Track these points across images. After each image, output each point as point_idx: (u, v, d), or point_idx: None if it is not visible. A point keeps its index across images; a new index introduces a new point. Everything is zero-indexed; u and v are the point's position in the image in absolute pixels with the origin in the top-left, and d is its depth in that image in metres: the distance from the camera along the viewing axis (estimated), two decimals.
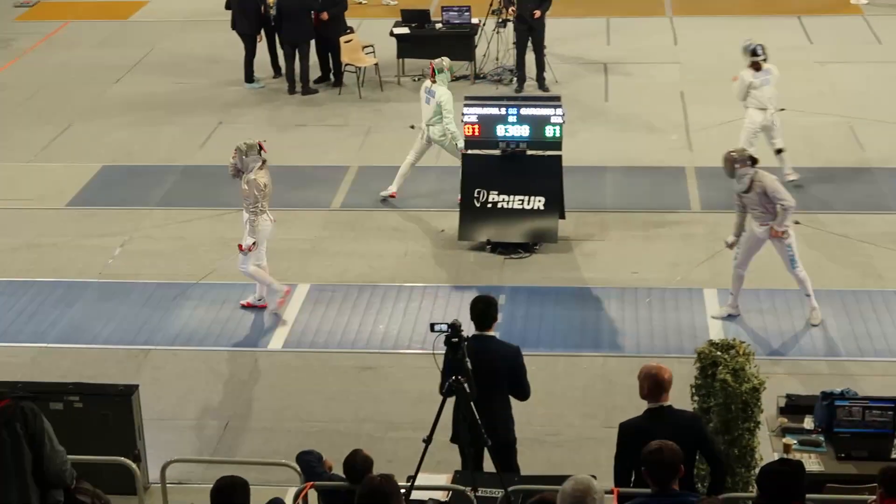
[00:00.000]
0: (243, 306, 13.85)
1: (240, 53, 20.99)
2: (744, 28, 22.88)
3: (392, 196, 16.36)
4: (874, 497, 7.69)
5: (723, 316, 13.37)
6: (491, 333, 9.79)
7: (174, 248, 15.31)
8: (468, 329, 9.35)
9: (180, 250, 15.25)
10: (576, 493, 6.56)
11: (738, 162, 12.67)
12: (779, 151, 16.20)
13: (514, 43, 20.31)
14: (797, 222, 13.50)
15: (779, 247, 12.94)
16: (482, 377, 9.48)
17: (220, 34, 22.32)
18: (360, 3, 25.05)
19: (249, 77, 21.02)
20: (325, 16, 20.17)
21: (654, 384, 8.59)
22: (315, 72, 20.89)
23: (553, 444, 11.15)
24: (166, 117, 19.78)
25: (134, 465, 9.73)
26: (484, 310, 9.78)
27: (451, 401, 9.38)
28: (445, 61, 16.08)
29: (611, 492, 8.72)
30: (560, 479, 8.09)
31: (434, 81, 15.90)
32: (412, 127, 17.04)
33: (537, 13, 19.59)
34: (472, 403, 9.15)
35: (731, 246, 13.20)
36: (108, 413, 10.56)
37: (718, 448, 9.04)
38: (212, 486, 7.67)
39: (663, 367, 8.64)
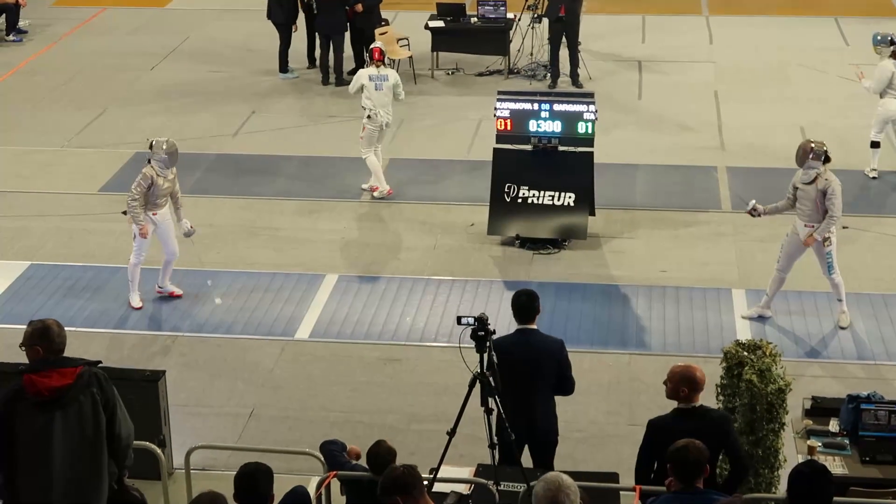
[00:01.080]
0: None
1: (275, 43, 21.05)
2: (780, 28, 22.89)
3: (390, 193, 16.34)
4: None
5: (753, 316, 13.33)
6: (533, 327, 9.78)
7: (204, 236, 15.34)
8: (495, 323, 9.35)
9: (210, 238, 15.31)
10: (548, 492, 6.56)
11: (814, 154, 12.61)
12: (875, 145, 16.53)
13: (548, 39, 20.29)
14: (845, 227, 13.46)
15: (818, 252, 12.90)
16: (526, 370, 9.58)
17: (255, 23, 22.39)
18: None
19: (284, 67, 21.06)
20: (359, 7, 20.19)
21: (688, 384, 8.56)
22: (349, 64, 20.92)
23: (577, 440, 11.13)
24: (200, 105, 19.86)
25: (159, 451, 9.79)
26: (526, 303, 9.78)
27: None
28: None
29: (633, 489, 8.75)
30: (582, 476, 8.13)
31: (381, 65, 16.03)
32: (368, 117, 16.72)
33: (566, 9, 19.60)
34: (496, 397, 9.18)
35: (752, 209, 13.13)
36: (133, 398, 10.56)
37: (743, 450, 9.01)
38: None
39: (693, 367, 8.63)
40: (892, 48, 16.22)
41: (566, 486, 6.55)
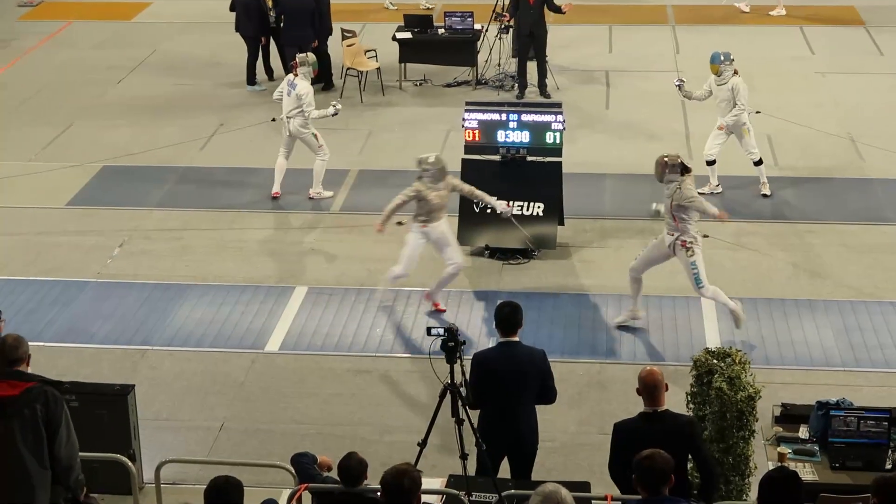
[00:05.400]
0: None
1: (242, 56, 21.01)
2: (746, 37, 22.97)
3: (276, 196, 16.57)
4: None
5: (623, 322, 13.44)
6: (516, 339, 9.80)
7: (172, 249, 15.33)
8: (466, 333, 9.38)
9: (178, 251, 15.28)
10: None
11: (669, 168, 12.72)
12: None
13: (517, 50, 20.30)
14: (705, 236, 13.53)
15: (683, 263, 12.96)
16: (511, 383, 9.63)
17: (223, 36, 22.35)
18: (387, 7, 25.15)
19: (251, 79, 21.03)
20: (315, 43, 20.17)
21: (645, 388, 8.71)
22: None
23: (548, 449, 11.12)
24: (167, 118, 19.80)
25: (130, 463, 9.77)
26: (509, 314, 9.80)
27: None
28: (310, 57, 16.59)
29: (604, 498, 8.77)
30: None
31: (296, 75, 16.26)
32: (273, 120, 17.27)
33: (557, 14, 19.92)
34: (466, 408, 9.22)
35: (657, 212, 13.37)
36: (103, 412, 10.56)
37: (710, 454, 9.06)
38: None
39: (653, 371, 8.75)
40: (734, 65, 16.19)
41: (564, 503, 6.54)
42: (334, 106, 16.49)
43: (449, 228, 13.72)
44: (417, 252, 13.68)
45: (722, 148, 16.39)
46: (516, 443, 9.82)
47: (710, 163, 16.44)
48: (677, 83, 16.56)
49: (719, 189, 16.49)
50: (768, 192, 16.40)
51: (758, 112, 17.02)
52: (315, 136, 16.39)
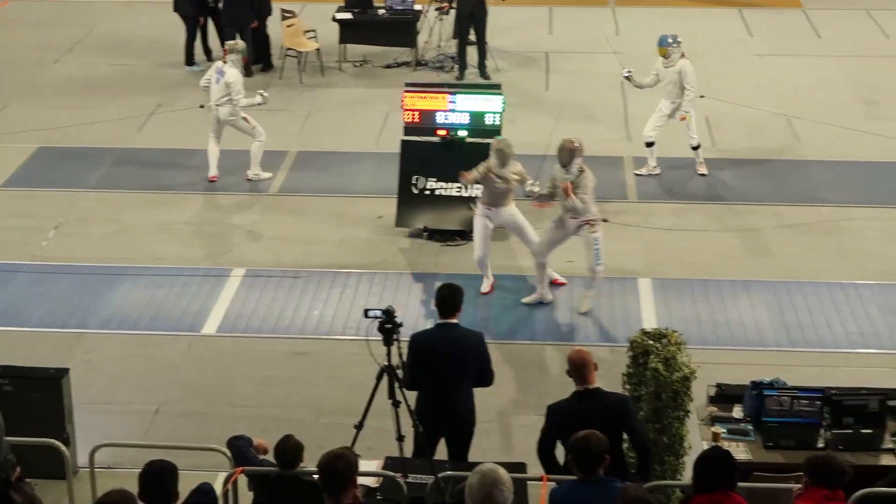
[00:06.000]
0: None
1: (180, 36, 20.84)
2: (686, 19, 23.04)
3: (213, 179, 16.47)
4: (800, 485, 7.78)
5: (534, 302, 13.58)
6: (454, 321, 9.82)
7: (109, 232, 15.20)
8: (403, 315, 9.37)
9: (115, 233, 15.15)
10: (483, 487, 6.58)
11: (578, 151, 12.94)
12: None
13: (455, 31, 20.27)
14: (605, 220, 13.68)
15: (586, 241, 13.19)
16: (448, 364, 9.66)
17: (161, 16, 22.11)
18: None
19: (190, 60, 20.87)
20: (255, 24, 20.12)
21: (574, 368, 8.80)
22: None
23: (485, 431, 11.13)
24: (105, 98, 19.60)
25: (64, 447, 9.67)
26: (446, 296, 9.85)
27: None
28: (240, 44, 16.56)
29: (540, 479, 8.80)
30: None
31: (226, 62, 16.15)
32: (201, 107, 17.10)
33: None
34: (403, 390, 9.22)
35: (532, 193, 13.43)
36: (37, 396, 10.46)
37: (644, 432, 9.12)
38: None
39: (580, 350, 8.88)
40: (681, 47, 16.32)
41: (501, 482, 6.58)
42: (261, 94, 16.33)
43: (519, 214, 13.65)
44: (486, 233, 13.62)
45: (661, 130, 16.45)
46: (453, 424, 9.85)
47: (649, 144, 16.52)
48: (626, 74, 16.61)
49: (657, 170, 16.57)
50: (705, 172, 16.52)
51: (702, 96, 17.07)
52: (245, 119, 16.26)
